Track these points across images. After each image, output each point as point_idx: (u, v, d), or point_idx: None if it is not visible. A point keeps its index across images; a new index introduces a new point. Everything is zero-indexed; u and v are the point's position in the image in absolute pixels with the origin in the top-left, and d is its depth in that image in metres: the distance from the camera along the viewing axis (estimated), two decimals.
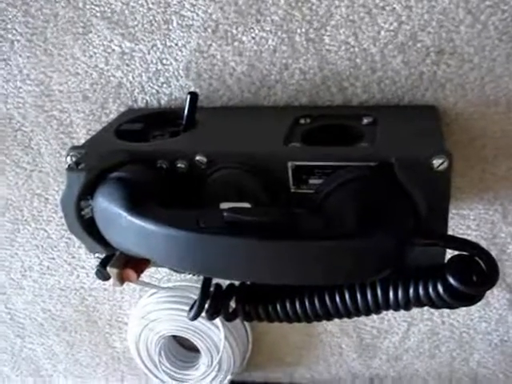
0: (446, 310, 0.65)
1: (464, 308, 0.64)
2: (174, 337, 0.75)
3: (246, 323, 0.70)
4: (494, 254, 0.60)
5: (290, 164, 0.46)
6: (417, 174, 0.43)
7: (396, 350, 0.70)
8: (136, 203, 0.45)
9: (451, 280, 0.41)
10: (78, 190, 0.48)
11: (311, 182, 0.47)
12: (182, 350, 0.75)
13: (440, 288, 0.42)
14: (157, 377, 0.74)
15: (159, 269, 0.68)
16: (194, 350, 0.73)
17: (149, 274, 0.69)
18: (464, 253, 0.42)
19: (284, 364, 0.74)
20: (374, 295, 0.45)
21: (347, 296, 0.46)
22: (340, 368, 0.73)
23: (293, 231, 0.40)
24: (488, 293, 0.62)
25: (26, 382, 0.87)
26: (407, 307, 0.44)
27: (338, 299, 0.46)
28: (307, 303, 0.48)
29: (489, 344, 0.67)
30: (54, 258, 0.72)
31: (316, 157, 0.45)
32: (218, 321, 0.67)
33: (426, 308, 0.65)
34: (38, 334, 0.81)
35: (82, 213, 0.50)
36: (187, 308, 0.65)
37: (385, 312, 0.65)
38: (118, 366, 0.82)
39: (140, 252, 0.46)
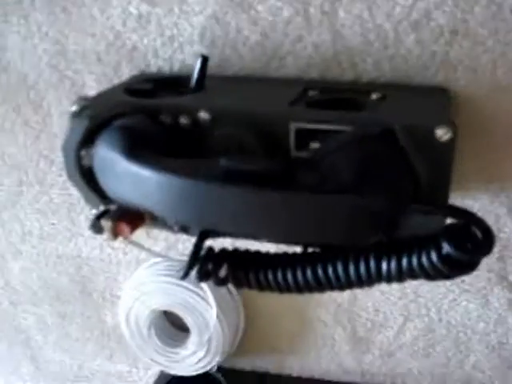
0: (444, 307, 0.63)
1: (462, 306, 0.63)
2: (166, 314, 0.74)
3: (240, 305, 0.69)
4: (496, 249, 0.59)
5: (292, 125, 0.45)
6: (419, 143, 0.43)
7: (390, 346, 0.68)
8: (134, 150, 0.45)
9: (446, 246, 0.40)
10: (80, 136, 0.48)
11: (312, 146, 0.46)
12: (172, 327, 0.74)
13: (434, 255, 0.41)
14: (144, 352, 0.73)
15: (157, 242, 0.68)
16: (185, 329, 0.72)
17: (147, 247, 0.69)
18: (459, 221, 0.42)
19: (274, 351, 0.73)
20: (367, 264, 0.44)
21: (339, 265, 0.45)
22: (331, 361, 0.72)
23: (288, 183, 0.40)
24: (488, 291, 0.61)
25: (14, 351, 0.86)
26: (400, 278, 0.44)
27: (329, 268, 0.45)
28: (299, 271, 0.47)
29: (486, 346, 0.65)
30: (54, 224, 0.72)
31: (319, 119, 0.45)
32: (211, 299, 0.66)
33: (422, 303, 0.64)
34: (32, 302, 0.80)
35: (82, 162, 0.50)
36: (181, 282, 0.66)
37: (383, 301, 0.65)
38: (107, 342, 0.81)
39: (135, 201, 0.45)
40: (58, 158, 0.67)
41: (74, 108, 0.50)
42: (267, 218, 0.40)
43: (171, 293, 0.67)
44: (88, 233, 0.71)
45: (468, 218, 0.41)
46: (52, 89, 0.63)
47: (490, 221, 0.56)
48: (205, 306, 0.67)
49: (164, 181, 0.42)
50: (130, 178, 0.44)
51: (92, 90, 0.62)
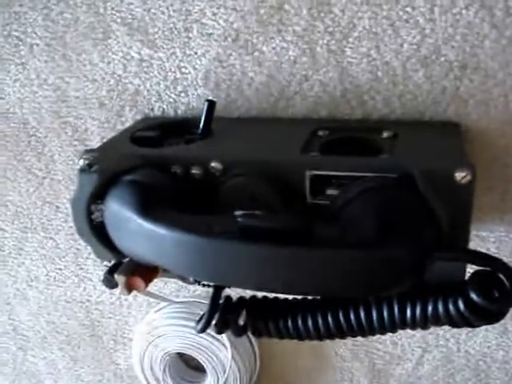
0: (462, 337, 0.62)
1: (481, 335, 0.62)
2: (180, 355, 0.72)
3: (255, 344, 0.68)
4: None
5: (307, 173, 0.45)
6: (439, 187, 0.42)
7: (409, 378, 0.67)
8: (147, 206, 0.44)
9: (473, 295, 0.39)
10: (90, 192, 0.47)
11: (329, 192, 0.45)
12: (188, 368, 0.73)
13: (461, 304, 0.40)
14: None
15: (168, 284, 0.67)
16: (200, 369, 0.71)
17: (157, 289, 0.68)
18: (486, 268, 0.41)
19: None
20: (391, 311, 0.43)
21: (362, 311, 0.44)
22: None
23: (307, 238, 0.39)
24: (507, 319, 0.60)
25: None
26: (425, 325, 0.43)
27: (352, 315, 0.45)
28: (319, 319, 0.46)
29: (505, 373, 0.64)
30: (61, 269, 0.71)
31: (335, 166, 0.44)
32: (225, 340, 0.65)
33: (441, 334, 0.63)
34: (41, 347, 0.79)
35: (92, 217, 0.49)
36: (193, 324, 0.64)
37: (400, 333, 0.64)
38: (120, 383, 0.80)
39: (149, 258, 0.44)
40: (63, 204, 0.66)
41: (81, 162, 0.49)
42: (289, 275, 0.39)
43: (184, 335, 0.65)
44: (96, 277, 0.70)
45: (495, 265, 0.40)
46: (54, 135, 0.62)
47: (506, 251, 0.56)
48: (219, 347, 0.66)
49: (179, 239, 0.40)
50: (143, 235, 0.43)
51: (95, 136, 0.61)
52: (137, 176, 0.47)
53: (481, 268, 0.41)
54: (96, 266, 0.69)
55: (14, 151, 0.65)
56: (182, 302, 0.66)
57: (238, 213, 0.44)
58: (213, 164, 0.46)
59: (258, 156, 0.47)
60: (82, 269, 0.70)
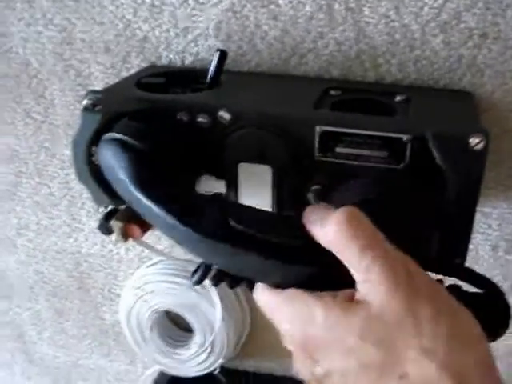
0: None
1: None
2: (168, 314, 0.72)
3: (245, 304, 0.67)
4: None
5: (317, 128, 0.44)
6: (452, 151, 0.41)
7: None
8: (141, 176, 0.41)
9: None
10: (92, 132, 0.46)
11: (338, 150, 0.44)
12: (175, 328, 0.72)
13: None
14: (144, 352, 0.71)
15: (161, 239, 0.65)
16: (188, 330, 0.70)
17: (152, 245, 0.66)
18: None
19: (280, 353, 0.71)
20: None
21: None
22: None
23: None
24: None
25: (6, 346, 0.84)
26: None
27: None
28: None
29: None
30: (52, 218, 0.69)
31: (346, 123, 0.43)
32: (216, 299, 0.64)
33: None
34: (27, 297, 0.78)
35: (93, 158, 0.47)
36: (186, 282, 0.63)
37: None
38: (105, 339, 0.78)
39: (146, 217, 0.43)
40: (60, 150, 0.65)
41: (85, 102, 0.48)
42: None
43: (174, 292, 0.64)
44: (89, 228, 0.69)
45: (489, 288, 0.39)
46: (56, 78, 0.61)
47: (508, 229, 0.56)
48: (209, 307, 0.65)
49: (173, 224, 0.39)
50: (135, 201, 0.41)
51: (98, 81, 0.59)
52: (140, 125, 0.45)
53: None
54: (89, 217, 0.68)
55: (13, 92, 0.63)
56: (175, 258, 0.65)
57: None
58: (221, 113, 0.45)
59: (268, 108, 0.45)
60: (74, 219, 0.69)
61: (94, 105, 0.47)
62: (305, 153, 0.45)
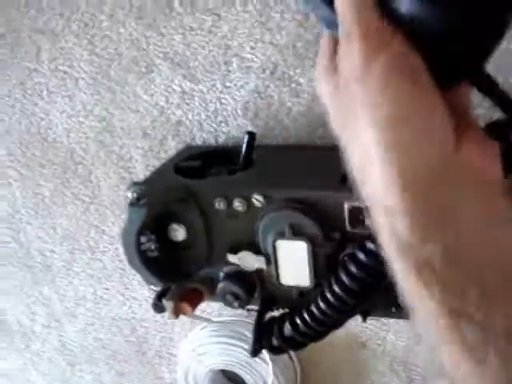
0: None
1: None
2: (223, 371, 0.75)
3: (295, 359, 0.70)
4: None
5: (346, 205, 0.46)
6: None
7: None
8: None
9: None
10: (139, 224, 0.50)
11: (367, 222, 0.47)
12: (230, 383, 0.76)
13: None
14: None
15: (211, 303, 0.69)
16: None
17: (200, 308, 0.70)
18: None
19: None
20: None
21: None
22: None
23: None
24: None
25: None
26: None
27: None
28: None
29: None
30: (107, 288, 0.74)
31: None
32: (266, 356, 0.67)
33: None
34: (88, 362, 0.82)
35: (142, 247, 0.51)
36: (237, 342, 0.67)
37: None
38: None
39: None
40: (108, 227, 0.69)
41: (130, 195, 0.52)
42: None
43: (227, 352, 0.68)
44: (142, 295, 0.73)
45: None
46: (99, 163, 0.65)
47: None
48: (260, 363, 0.68)
49: None
50: None
51: (139, 164, 0.64)
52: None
53: None
54: (141, 286, 0.72)
55: (61, 178, 0.68)
56: (224, 321, 0.68)
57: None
58: (255, 197, 0.48)
59: (299, 188, 0.48)
60: (127, 288, 0.73)
61: (138, 198, 0.51)
62: (336, 227, 0.47)
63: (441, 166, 0.26)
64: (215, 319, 0.69)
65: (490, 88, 0.31)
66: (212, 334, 0.69)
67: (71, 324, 0.79)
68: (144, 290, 0.72)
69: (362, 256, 0.43)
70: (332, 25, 0.30)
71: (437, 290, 0.25)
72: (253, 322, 0.52)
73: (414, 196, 0.26)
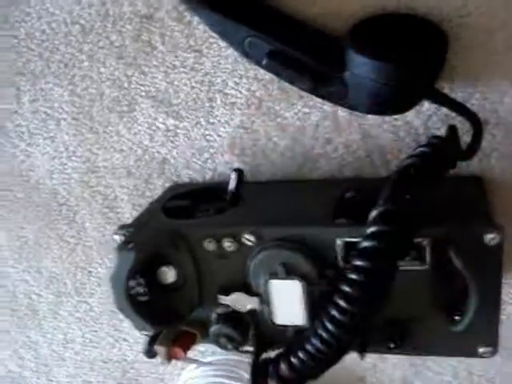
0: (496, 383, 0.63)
1: None
2: None
3: None
4: None
5: (338, 241, 0.46)
6: (467, 248, 0.43)
7: None
8: None
9: None
10: (128, 269, 0.48)
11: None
12: None
13: None
14: None
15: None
16: None
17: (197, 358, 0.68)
18: None
19: None
20: None
21: None
22: None
23: None
24: None
25: None
26: None
27: None
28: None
29: None
30: (96, 331, 0.72)
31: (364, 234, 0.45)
32: None
33: (476, 380, 0.63)
34: None
35: (131, 292, 0.50)
36: (232, 382, 0.65)
37: (431, 372, 0.64)
38: None
39: None
40: (95, 269, 0.68)
41: (117, 239, 0.51)
42: None
43: None
44: (132, 337, 0.71)
45: None
46: (84, 204, 0.64)
47: None
48: None
49: None
50: None
51: (125, 203, 0.63)
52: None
53: None
54: (131, 328, 0.69)
55: (45, 220, 0.66)
56: (216, 362, 0.66)
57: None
58: (245, 236, 0.47)
59: (289, 225, 0.48)
60: (116, 330, 0.71)
61: (126, 242, 0.50)
62: (329, 264, 0.47)
63: None
64: (209, 358, 0.67)
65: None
66: (204, 374, 0.67)
67: (60, 368, 0.77)
68: (134, 331, 0.70)
69: (347, 289, 0.42)
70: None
71: None
72: (247, 360, 0.51)
73: None
